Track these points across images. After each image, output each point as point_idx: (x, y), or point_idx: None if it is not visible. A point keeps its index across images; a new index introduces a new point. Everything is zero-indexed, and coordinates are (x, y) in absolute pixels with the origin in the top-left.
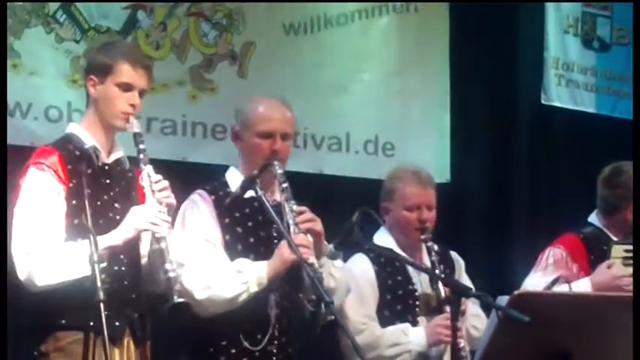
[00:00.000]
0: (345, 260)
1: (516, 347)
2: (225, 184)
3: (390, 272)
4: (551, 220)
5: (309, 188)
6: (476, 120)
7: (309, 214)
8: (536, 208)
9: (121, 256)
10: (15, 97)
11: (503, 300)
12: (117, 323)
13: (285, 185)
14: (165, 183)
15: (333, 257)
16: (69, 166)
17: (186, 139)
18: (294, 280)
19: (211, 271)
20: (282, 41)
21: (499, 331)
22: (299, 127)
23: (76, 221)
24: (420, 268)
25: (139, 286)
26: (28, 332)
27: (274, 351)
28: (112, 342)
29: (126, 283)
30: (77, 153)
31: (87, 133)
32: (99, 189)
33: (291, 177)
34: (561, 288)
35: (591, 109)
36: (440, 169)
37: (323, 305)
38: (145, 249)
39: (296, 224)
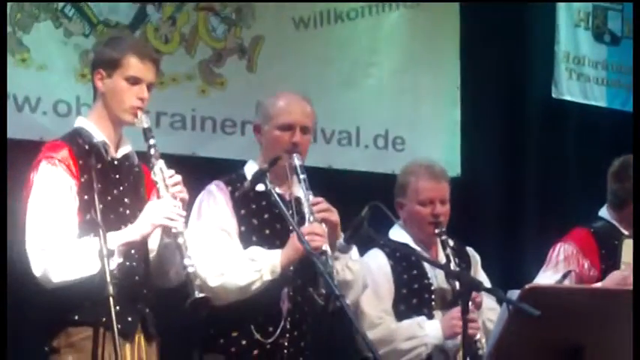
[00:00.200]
0: (360, 256)
1: (527, 341)
2: (243, 177)
3: (406, 267)
4: (562, 214)
5: (318, 183)
6: (486, 114)
7: (324, 205)
8: (547, 202)
9: (132, 252)
10: (24, 91)
11: (513, 294)
12: (129, 319)
13: (303, 177)
14: (179, 178)
15: (342, 251)
16: (80, 161)
17: (195, 134)
18: (307, 275)
19: (225, 259)
20: (292, 36)
21: (510, 325)
22: None
23: (87, 216)
24: (434, 263)
25: (150, 282)
26: (40, 328)
27: (285, 344)
28: (124, 337)
29: (137, 278)
30: (86, 147)
31: (96, 128)
32: (109, 184)
33: None
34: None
35: (602, 103)
36: (450, 164)
37: (332, 298)
38: (153, 244)
39: (312, 214)
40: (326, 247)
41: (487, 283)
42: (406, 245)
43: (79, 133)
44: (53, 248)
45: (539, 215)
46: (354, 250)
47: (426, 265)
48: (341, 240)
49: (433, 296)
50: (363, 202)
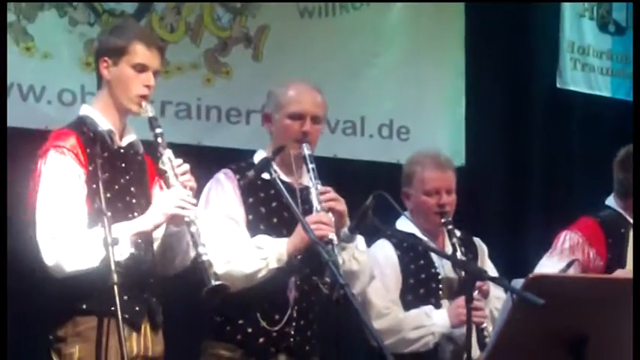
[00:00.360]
0: (368, 247)
1: (531, 330)
2: (252, 165)
3: (413, 257)
4: (566, 204)
5: (323, 172)
6: (491, 103)
7: (332, 194)
8: (552, 191)
9: (139, 240)
10: (28, 80)
11: (518, 283)
12: (137, 308)
13: (312, 166)
14: (187, 166)
15: (347, 240)
16: (87, 150)
17: (200, 123)
18: (315, 263)
19: (232, 246)
20: (297, 25)
21: (514, 314)
22: None
23: (96, 205)
24: (440, 253)
25: (155, 271)
26: (45, 317)
27: (292, 332)
28: (132, 327)
29: (144, 267)
30: (91, 135)
31: (101, 116)
32: (116, 172)
33: None
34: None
35: (607, 93)
36: (455, 153)
37: (337, 287)
38: (157, 232)
39: (320, 203)
40: (332, 236)
41: (494, 273)
42: (413, 235)
43: (84, 122)
44: (64, 237)
45: (544, 204)
46: (362, 241)
47: (433, 255)
48: (345, 229)
49: (440, 286)
50: (368, 191)
